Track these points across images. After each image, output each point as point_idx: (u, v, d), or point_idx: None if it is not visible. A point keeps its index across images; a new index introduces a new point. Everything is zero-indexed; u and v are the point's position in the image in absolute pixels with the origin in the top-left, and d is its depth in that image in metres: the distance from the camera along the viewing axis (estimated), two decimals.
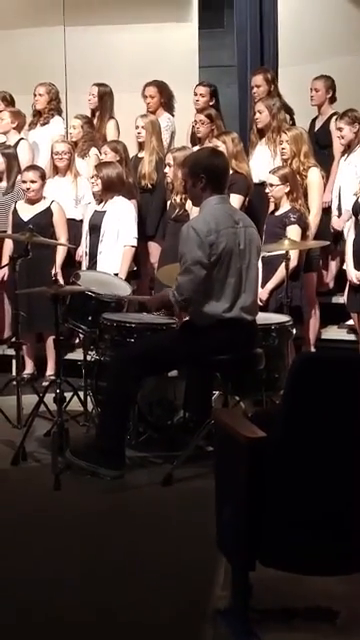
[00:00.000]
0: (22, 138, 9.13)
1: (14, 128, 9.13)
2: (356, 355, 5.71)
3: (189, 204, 7.34)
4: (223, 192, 5.65)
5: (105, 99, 9.29)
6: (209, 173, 5.52)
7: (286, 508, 3.46)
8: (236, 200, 7.42)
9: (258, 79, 8.94)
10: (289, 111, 8.66)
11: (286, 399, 3.52)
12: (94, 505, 5.22)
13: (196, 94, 9.09)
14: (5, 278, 7.48)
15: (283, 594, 3.95)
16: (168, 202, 8.05)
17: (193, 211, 7.23)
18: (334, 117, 8.44)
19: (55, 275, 6.51)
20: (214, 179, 5.54)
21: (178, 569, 4.36)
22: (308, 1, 9.98)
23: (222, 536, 3.80)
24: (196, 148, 8.04)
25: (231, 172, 7.18)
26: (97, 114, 9.32)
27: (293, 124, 8.47)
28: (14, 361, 7.53)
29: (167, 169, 7.75)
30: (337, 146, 8.35)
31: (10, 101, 9.58)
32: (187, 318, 5.74)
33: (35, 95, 9.35)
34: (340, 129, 7.95)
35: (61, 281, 6.94)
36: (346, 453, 3.44)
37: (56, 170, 8.50)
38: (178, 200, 7.62)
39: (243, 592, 3.64)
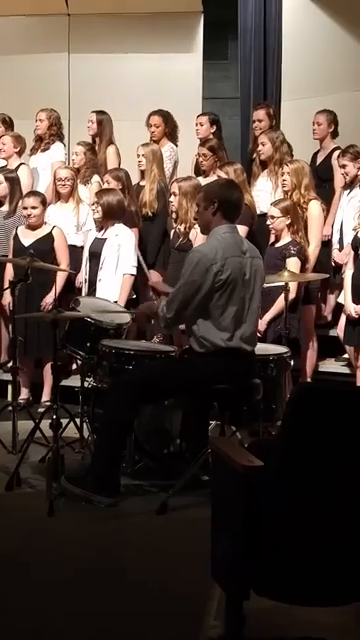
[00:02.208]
0: (22, 163, 9.17)
1: (16, 153, 9.16)
2: (355, 388, 5.72)
3: (193, 233, 7.38)
4: (233, 222, 5.67)
5: (104, 125, 9.34)
6: (222, 200, 5.55)
7: (281, 538, 3.45)
8: (241, 231, 7.44)
9: (260, 113, 9.03)
10: (288, 147, 8.70)
11: (284, 428, 3.51)
12: (88, 532, 5.21)
13: (197, 124, 9.16)
14: (9, 303, 7.45)
15: (276, 624, 3.94)
16: (171, 231, 8.08)
17: (197, 240, 7.26)
18: (336, 151, 8.49)
19: (55, 300, 6.50)
20: (226, 208, 5.57)
21: (171, 597, 4.34)
22: (312, 36, 10.03)
23: (216, 565, 3.79)
24: (201, 179, 8.08)
25: None
26: (97, 140, 9.37)
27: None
28: (10, 386, 7.51)
29: (172, 198, 7.77)
30: (338, 180, 8.40)
31: (10, 124, 9.63)
32: (187, 346, 5.74)
33: (36, 120, 9.40)
34: (344, 166, 7.99)
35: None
36: (343, 484, 3.43)
37: (58, 196, 8.53)
38: (182, 229, 7.63)
39: (236, 621, 3.63)
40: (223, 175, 7.59)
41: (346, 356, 8.04)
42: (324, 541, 3.43)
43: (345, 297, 7.53)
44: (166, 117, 9.26)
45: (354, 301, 7.38)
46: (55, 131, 9.49)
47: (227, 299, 5.43)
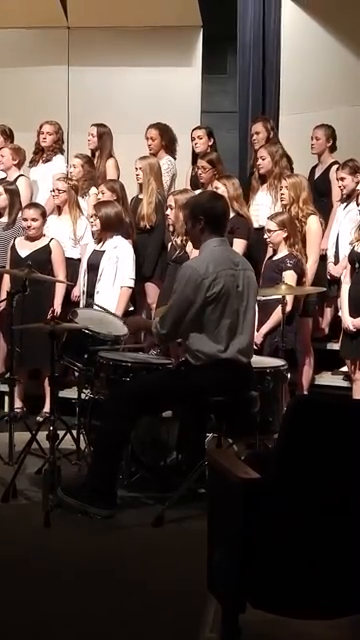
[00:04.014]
0: (21, 175, 9.18)
1: (15, 165, 9.18)
2: (352, 401, 5.72)
3: (190, 246, 7.38)
4: (223, 234, 5.69)
5: (104, 138, 9.34)
6: (208, 215, 5.58)
7: (278, 550, 3.44)
8: (240, 245, 7.49)
9: (258, 126, 9.05)
10: (289, 160, 8.72)
11: (281, 441, 3.51)
12: (84, 544, 5.21)
13: (194, 138, 9.18)
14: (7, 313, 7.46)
15: (272, 637, 3.93)
16: (169, 244, 8.08)
17: (193, 253, 7.26)
18: (334, 166, 8.51)
19: (53, 312, 6.51)
20: (213, 222, 5.59)
21: (167, 609, 4.34)
22: (311, 51, 10.05)
23: (213, 577, 3.78)
24: (198, 191, 8.09)
25: (234, 214, 7.26)
26: (97, 154, 9.38)
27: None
28: (7, 397, 7.51)
29: (169, 211, 7.79)
30: (336, 194, 8.42)
31: (9, 135, 9.63)
32: (183, 358, 5.75)
33: (43, 133, 9.41)
34: (342, 179, 8.00)
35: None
36: (339, 497, 3.43)
37: (58, 208, 8.54)
38: (179, 242, 7.64)
39: (232, 634, 3.61)
40: (220, 187, 7.62)
41: (344, 369, 8.04)
42: (321, 553, 3.43)
43: (342, 311, 7.54)
44: (163, 130, 9.25)
45: (352, 315, 7.39)
46: (59, 144, 9.54)
47: (221, 312, 5.45)
